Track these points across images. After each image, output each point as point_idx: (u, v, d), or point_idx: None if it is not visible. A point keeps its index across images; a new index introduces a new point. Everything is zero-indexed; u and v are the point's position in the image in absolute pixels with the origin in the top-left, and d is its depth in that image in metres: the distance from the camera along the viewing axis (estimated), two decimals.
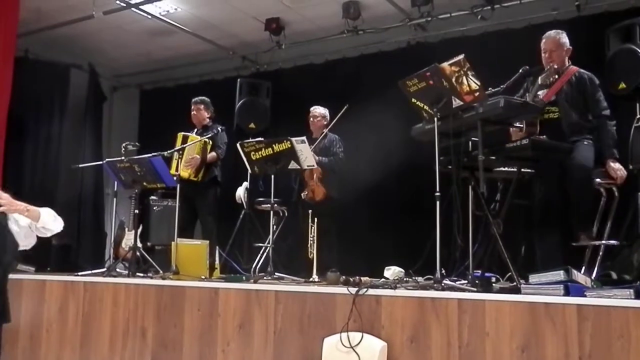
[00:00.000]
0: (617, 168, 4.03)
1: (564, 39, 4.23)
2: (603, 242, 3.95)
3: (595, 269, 3.81)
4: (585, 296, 2.93)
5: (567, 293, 2.96)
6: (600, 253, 3.94)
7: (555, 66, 4.15)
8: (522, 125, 4.02)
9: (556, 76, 4.20)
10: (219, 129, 5.77)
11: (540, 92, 4.14)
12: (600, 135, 4.08)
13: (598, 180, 4.01)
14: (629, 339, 2.66)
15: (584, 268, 3.84)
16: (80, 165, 6.78)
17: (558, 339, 2.83)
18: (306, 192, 5.73)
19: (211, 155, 5.89)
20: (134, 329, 4.36)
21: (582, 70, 4.23)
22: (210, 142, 5.89)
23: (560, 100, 4.12)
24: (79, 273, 5.16)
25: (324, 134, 5.96)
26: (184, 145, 5.73)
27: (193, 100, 6.22)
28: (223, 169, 6.20)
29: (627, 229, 4.18)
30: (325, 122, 6.04)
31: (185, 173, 5.66)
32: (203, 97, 6.23)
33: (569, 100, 4.12)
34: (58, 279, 4.94)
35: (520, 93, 4.25)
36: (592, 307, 2.78)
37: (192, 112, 6.16)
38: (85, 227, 8.22)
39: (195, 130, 6.12)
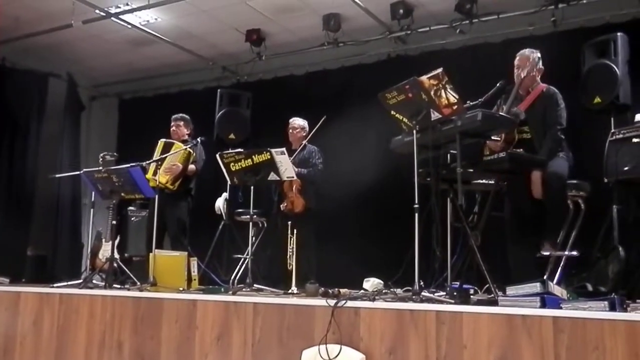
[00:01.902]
0: (535, 179, 4.02)
1: (536, 57, 4.31)
2: (564, 253, 4.02)
3: (555, 279, 3.85)
4: (561, 308, 2.95)
5: (543, 305, 2.98)
6: (561, 264, 4.01)
7: (523, 74, 4.20)
8: (498, 138, 4.08)
9: (529, 91, 4.28)
10: (198, 140, 5.73)
11: (514, 108, 4.20)
12: (545, 141, 4.11)
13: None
14: (603, 351, 2.69)
15: (545, 277, 3.89)
16: (58, 175, 6.70)
17: (534, 351, 2.85)
18: (285, 204, 5.73)
19: (191, 167, 5.85)
20: (110, 341, 4.30)
21: (550, 87, 4.31)
22: (194, 154, 5.84)
23: (530, 118, 4.19)
24: (55, 284, 5.08)
25: (302, 145, 5.98)
26: (164, 155, 5.66)
27: (173, 116, 6.17)
28: (202, 180, 6.17)
29: (602, 241, 4.24)
30: (304, 134, 6.06)
31: (163, 178, 5.60)
32: (183, 114, 6.19)
33: (538, 118, 4.19)
34: (33, 291, 4.85)
35: (493, 110, 4.30)
36: (567, 319, 2.80)
37: (172, 129, 6.10)
38: (62, 238, 8.13)
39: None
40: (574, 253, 4.02)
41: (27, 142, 8.02)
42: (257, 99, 7.01)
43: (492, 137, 4.20)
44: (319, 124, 5.80)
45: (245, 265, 5.44)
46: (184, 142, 6.04)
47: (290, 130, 6.09)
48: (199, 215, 6.19)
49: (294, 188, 5.71)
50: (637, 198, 4.37)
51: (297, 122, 6.11)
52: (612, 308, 2.82)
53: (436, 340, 3.11)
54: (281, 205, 5.76)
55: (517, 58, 4.34)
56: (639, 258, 4.12)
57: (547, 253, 3.98)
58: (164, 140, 5.92)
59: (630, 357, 2.63)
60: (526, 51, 4.34)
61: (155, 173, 5.39)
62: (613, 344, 2.67)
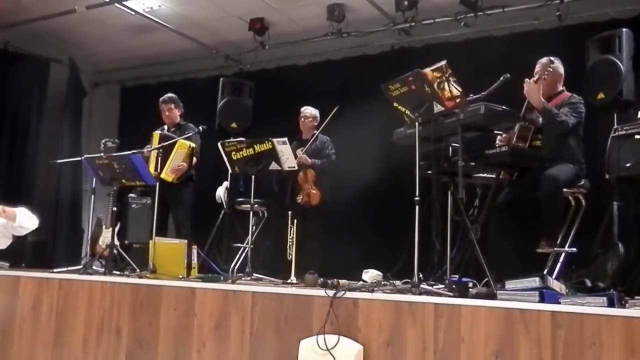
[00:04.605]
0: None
1: (556, 64, 4.26)
2: (563, 249, 4.02)
3: (554, 274, 3.86)
4: (559, 303, 2.96)
5: (542, 300, 2.98)
6: (560, 260, 4.01)
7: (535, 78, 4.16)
8: (511, 132, 4.09)
9: (549, 97, 4.26)
10: (200, 128, 5.68)
11: (533, 115, 4.20)
12: None
13: (565, 189, 4.06)
14: (600, 346, 2.69)
15: (545, 272, 3.89)
16: (59, 161, 6.69)
17: (531, 345, 2.85)
18: (301, 197, 5.68)
19: (194, 160, 5.79)
20: (109, 327, 4.31)
21: (574, 95, 4.28)
22: (196, 147, 5.75)
23: (544, 126, 4.18)
24: (54, 270, 5.09)
25: (315, 135, 5.93)
26: (165, 143, 5.60)
27: (161, 99, 6.05)
28: (204, 169, 6.16)
29: (602, 237, 4.24)
30: (315, 123, 6.02)
31: (168, 177, 5.54)
32: (170, 95, 6.08)
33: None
34: (32, 275, 4.86)
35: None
36: (566, 314, 2.81)
37: (164, 113, 6.00)
38: (62, 224, 8.14)
39: (167, 128, 6.01)
40: (573, 249, 4.02)
41: (28, 127, 8.01)
42: (259, 88, 7.00)
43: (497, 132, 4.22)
44: (332, 114, 5.74)
45: (245, 254, 5.45)
46: (178, 126, 5.96)
47: (302, 120, 6.04)
48: (199, 204, 6.19)
49: (309, 180, 5.67)
50: (637, 195, 4.36)
51: (309, 111, 6.06)
52: (611, 304, 2.83)
53: (434, 332, 3.11)
54: (297, 198, 5.71)
55: (537, 66, 4.29)
56: (638, 255, 4.13)
57: (542, 250, 3.99)
58: (159, 132, 5.82)
59: (626, 353, 2.64)
60: (543, 59, 4.27)
61: (156, 168, 5.30)
62: (610, 339, 2.68)
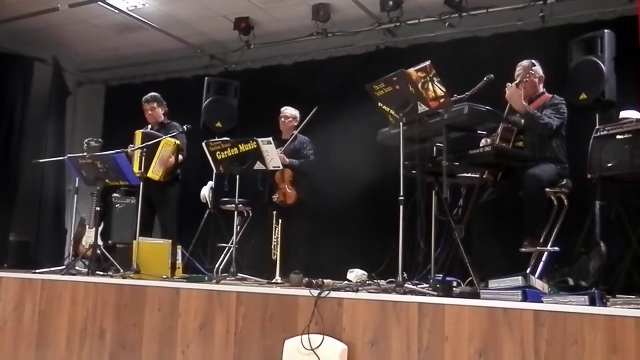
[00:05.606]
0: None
1: (536, 66, 4.32)
2: (546, 248, 4.05)
3: (537, 273, 3.89)
4: (542, 302, 2.98)
5: (524, 298, 3.01)
6: (543, 259, 4.04)
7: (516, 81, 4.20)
8: (494, 134, 4.11)
9: (531, 99, 4.30)
10: (184, 127, 5.65)
11: (514, 116, 4.22)
12: None
13: (548, 189, 4.10)
14: (583, 344, 2.72)
15: (528, 271, 3.92)
16: (41, 161, 6.63)
17: (515, 344, 2.87)
18: (277, 196, 5.68)
19: (180, 158, 5.77)
20: (92, 328, 4.28)
21: (556, 96, 4.33)
22: (181, 144, 5.71)
23: (527, 127, 4.20)
24: (37, 270, 5.04)
25: (293, 135, 5.93)
26: (150, 142, 5.56)
27: (143, 98, 6.00)
28: (188, 168, 6.13)
29: (584, 236, 4.28)
30: (295, 124, 6.00)
31: (155, 176, 5.48)
32: (153, 94, 6.03)
33: None
34: (14, 276, 4.82)
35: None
36: (548, 312, 2.83)
37: (147, 112, 5.94)
38: (45, 224, 8.05)
39: (150, 127, 5.96)
40: (556, 249, 4.06)
41: (11, 127, 7.93)
42: (244, 87, 6.98)
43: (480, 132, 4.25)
44: (310, 114, 5.75)
45: (229, 254, 5.44)
46: (162, 125, 5.92)
47: (282, 119, 6.03)
48: (184, 204, 6.16)
49: (285, 180, 5.67)
50: (619, 194, 4.41)
51: (289, 111, 6.05)
52: (592, 302, 2.85)
53: (418, 331, 3.13)
54: (273, 197, 5.72)
55: (517, 69, 4.33)
56: (620, 254, 4.18)
57: (525, 250, 4.02)
58: (141, 131, 5.76)
59: (608, 351, 2.67)
60: (524, 62, 4.31)
61: (140, 167, 5.24)
62: (592, 337, 2.71)
